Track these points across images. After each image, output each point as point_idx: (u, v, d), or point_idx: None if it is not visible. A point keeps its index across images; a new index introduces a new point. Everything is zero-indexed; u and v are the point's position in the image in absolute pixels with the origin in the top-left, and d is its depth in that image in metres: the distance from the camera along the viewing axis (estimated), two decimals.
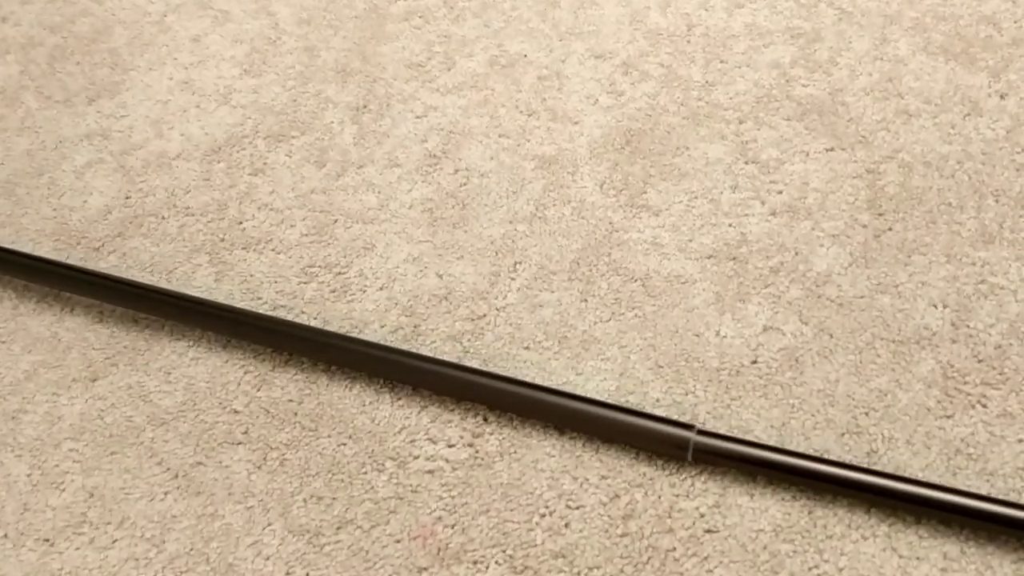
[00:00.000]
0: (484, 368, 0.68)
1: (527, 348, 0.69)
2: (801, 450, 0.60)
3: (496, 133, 0.84)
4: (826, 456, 0.59)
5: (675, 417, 0.62)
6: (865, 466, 0.57)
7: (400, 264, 0.77)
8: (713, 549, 0.56)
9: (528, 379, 0.67)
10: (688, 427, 0.58)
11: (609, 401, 0.63)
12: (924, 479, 0.57)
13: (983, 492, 0.56)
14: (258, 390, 0.69)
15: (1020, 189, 0.71)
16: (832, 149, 0.78)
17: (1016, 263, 0.67)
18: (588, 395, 0.65)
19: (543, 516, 0.59)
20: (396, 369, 0.66)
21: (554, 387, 0.64)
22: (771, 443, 0.61)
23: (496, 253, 0.76)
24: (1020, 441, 0.58)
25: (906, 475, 0.57)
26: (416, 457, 0.64)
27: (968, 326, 0.64)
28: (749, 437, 0.61)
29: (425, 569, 0.58)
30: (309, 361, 0.70)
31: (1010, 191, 0.71)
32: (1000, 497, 0.55)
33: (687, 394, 0.64)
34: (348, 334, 0.71)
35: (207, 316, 0.71)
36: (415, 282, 0.75)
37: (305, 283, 0.76)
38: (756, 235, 0.73)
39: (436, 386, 0.65)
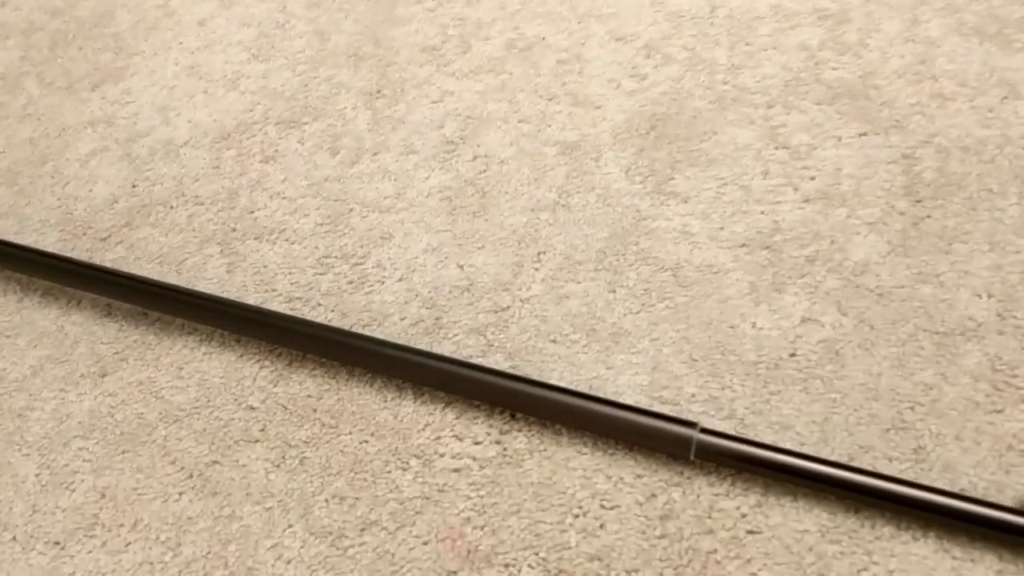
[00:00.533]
0: (509, 364, 0.66)
1: (554, 341, 0.66)
2: (845, 447, 0.57)
3: (515, 118, 0.81)
4: (862, 460, 0.56)
5: (694, 415, 0.60)
6: (878, 471, 0.55)
7: (419, 254, 0.74)
8: (756, 551, 0.54)
9: (556, 374, 0.65)
10: (691, 425, 0.56)
11: (611, 399, 0.61)
12: (972, 478, 0.55)
13: None
14: (275, 386, 0.66)
15: None
16: (865, 134, 0.75)
17: None
18: (619, 390, 0.62)
19: (576, 517, 0.57)
20: (413, 370, 0.63)
21: (561, 385, 0.61)
22: (813, 440, 0.58)
23: (519, 243, 0.73)
24: None
25: (956, 471, 0.55)
26: (442, 455, 0.61)
27: (1015, 316, 0.61)
28: (790, 434, 0.59)
29: (454, 573, 0.56)
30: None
31: None
32: None
33: (724, 388, 0.61)
34: (366, 329, 0.69)
35: (218, 314, 0.68)
36: (435, 273, 0.72)
37: (321, 274, 0.73)
38: (789, 223, 0.70)
39: (446, 387, 0.62)
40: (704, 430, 0.56)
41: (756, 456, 0.55)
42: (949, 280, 0.65)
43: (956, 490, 0.54)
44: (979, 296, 0.63)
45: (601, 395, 0.62)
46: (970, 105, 0.74)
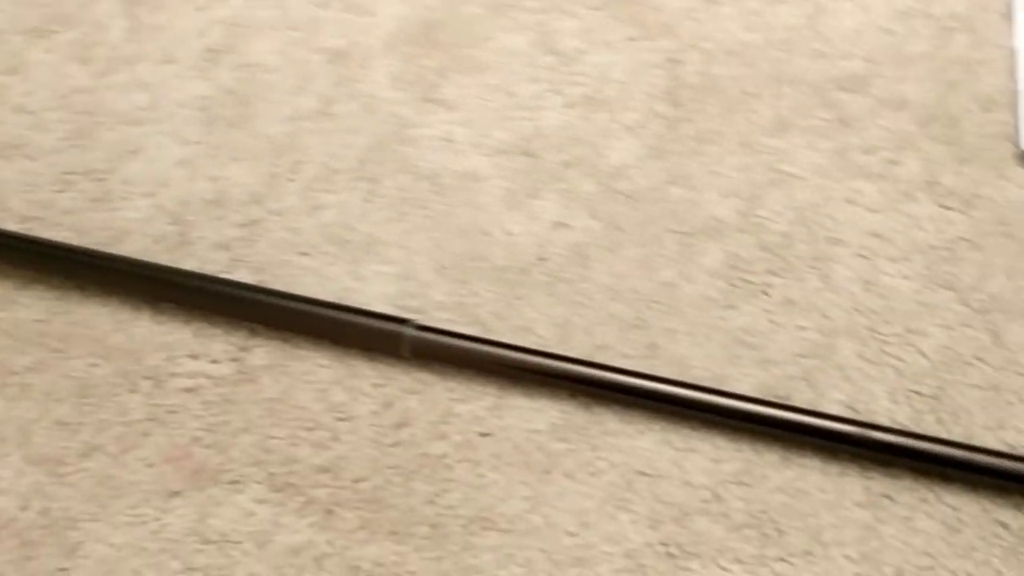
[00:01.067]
0: (256, 278, 0.63)
1: (304, 254, 0.64)
2: (584, 347, 0.57)
3: (284, 25, 0.77)
4: (598, 354, 0.56)
5: (411, 316, 0.58)
6: (602, 362, 0.55)
7: (170, 168, 0.70)
8: (487, 453, 0.53)
9: (304, 287, 0.62)
10: (403, 322, 0.55)
11: (332, 301, 0.60)
12: (700, 371, 0.55)
13: (761, 379, 0.54)
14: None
15: (817, 76, 0.69)
16: (635, 39, 0.74)
17: (808, 150, 0.65)
18: (367, 300, 0.61)
19: (310, 430, 0.55)
20: (143, 287, 0.60)
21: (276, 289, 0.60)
22: (554, 341, 0.57)
23: (276, 153, 0.70)
24: (799, 328, 0.56)
25: (686, 365, 0.55)
26: (176, 375, 0.58)
27: (756, 215, 0.62)
28: (531, 336, 0.58)
29: (178, 493, 0.54)
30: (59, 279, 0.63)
31: (806, 78, 0.69)
32: (759, 397, 0.53)
33: (471, 295, 0.60)
34: (106, 248, 0.64)
35: None
36: (185, 187, 0.68)
37: (60, 192, 0.68)
38: (551, 129, 0.69)
39: (175, 301, 0.59)
40: (418, 327, 0.55)
41: (469, 350, 0.54)
42: (699, 181, 0.65)
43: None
44: (725, 196, 0.63)
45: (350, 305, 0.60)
46: (738, 8, 0.74)
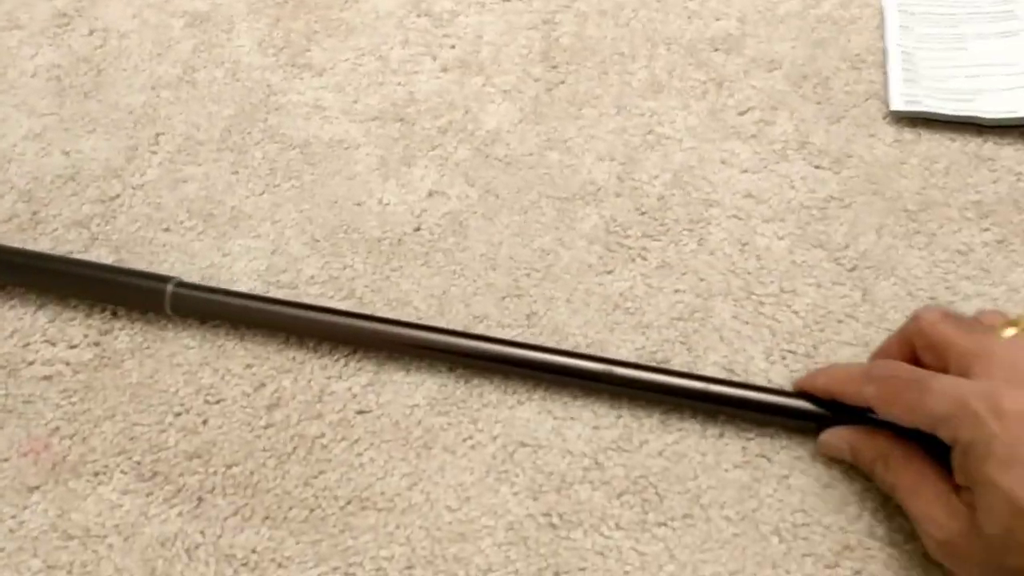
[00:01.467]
0: (115, 257, 0.59)
1: (167, 230, 0.61)
2: (461, 318, 0.56)
3: None
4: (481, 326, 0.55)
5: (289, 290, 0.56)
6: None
7: (18, 142, 0.65)
8: (364, 431, 0.51)
9: (167, 265, 0.59)
10: (166, 279, 0.55)
11: (93, 261, 0.59)
12: (578, 337, 0.55)
13: (640, 344, 0.54)
14: None
15: (691, 37, 0.69)
16: (508, 0, 0.73)
17: (683, 112, 0.65)
18: (235, 277, 0.58)
19: (178, 415, 0.52)
20: None
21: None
22: (431, 313, 0.56)
23: (135, 124, 0.66)
24: (675, 291, 0.56)
25: (564, 332, 0.55)
26: (31, 363, 0.55)
27: (633, 178, 0.61)
28: (408, 309, 0.56)
29: (37, 488, 0.50)
30: None
31: (681, 39, 0.69)
32: (649, 364, 0.53)
33: (344, 268, 0.58)
34: None
35: None
36: (36, 162, 0.64)
37: None
38: (425, 93, 0.67)
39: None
40: (181, 284, 0.55)
41: (231, 304, 0.55)
42: (576, 145, 0.64)
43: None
44: (602, 160, 0.63)
45: (214, 284, 0.57)
46: None
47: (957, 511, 0.40)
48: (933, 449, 0.43)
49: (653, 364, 0.53)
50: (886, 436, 0.45)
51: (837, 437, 0.47)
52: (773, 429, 0.50)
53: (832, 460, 0.49)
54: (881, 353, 0.49)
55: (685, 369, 0.53)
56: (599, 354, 0.53)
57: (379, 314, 0.55)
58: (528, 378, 0.53)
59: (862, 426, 0.47)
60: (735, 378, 0.52)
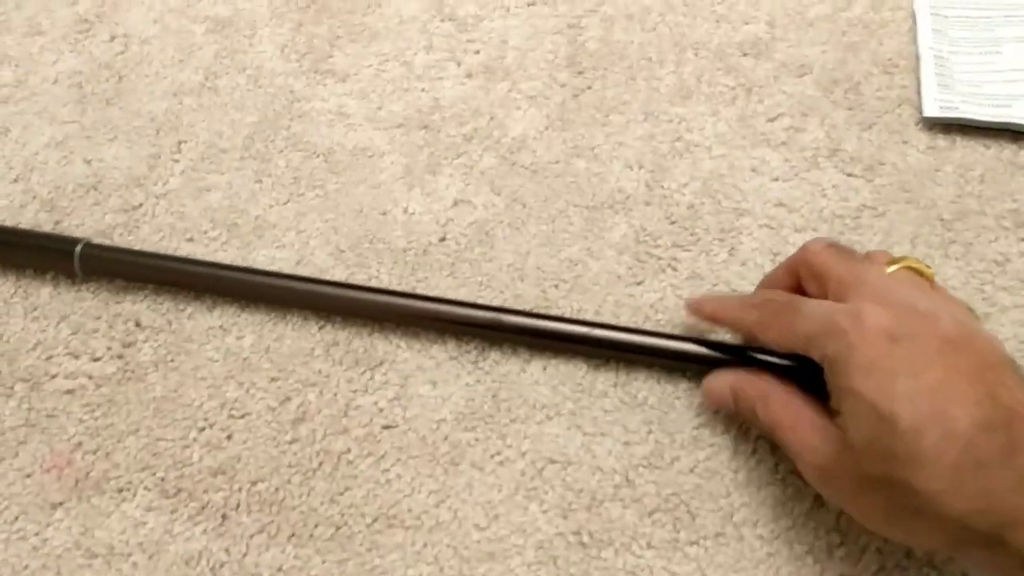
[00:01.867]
0: None
1: (191, 240, 0.60)
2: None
3: None
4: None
5: None
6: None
7: (40, 150, 0.65)
8: (391, 446, 0.51)
9: None
10: (76, 241, 0.56)
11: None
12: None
13: None
14: None
15: (719, 42, 0.68)
16: (534, 3, 0.72)
17: (712, 118, 0.64)
18: None
19: (202, 430, 0.52)
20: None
21: None
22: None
23: (157, 131, 0.65)
24: None
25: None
26: (53, 376, 0.54)
27: (663, 187, 0.60)
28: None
29: (60, 504, 0.50)
30: None
31: (709, 44, 0.68)
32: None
33: (371, 279, 0.57)
34: None
35: None
36: (58, 170, 0.64)
37: None
38: (450, 100, 0.66)
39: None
40: (91, 244, 0.56)
41: (146, 265, 0.56)
42: (603, 152, 0.63)
43: None
44: (630, 167, 0.62)
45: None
46: None
47: (832, 435, 0.41)
48: (812, 388, 0.43)
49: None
50: (766, 377, 0.46)
51: (720, 380, 0.48)
52: None
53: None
54: (767, 282, 0.50)
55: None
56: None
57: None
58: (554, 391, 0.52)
59: (743, 369, 0.47)
60: None
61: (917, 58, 0.65)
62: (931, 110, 0.62)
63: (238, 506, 0.50)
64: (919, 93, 0.63)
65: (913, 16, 0.68)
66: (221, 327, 0.56)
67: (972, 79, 0.64)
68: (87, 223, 0.61)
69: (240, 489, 0.50)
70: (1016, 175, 0.59)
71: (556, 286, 0.57)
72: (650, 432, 0.51)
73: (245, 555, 0.48)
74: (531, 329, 0.53)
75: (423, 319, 0.54)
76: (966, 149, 0.61)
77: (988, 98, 0.63)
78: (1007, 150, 0.60)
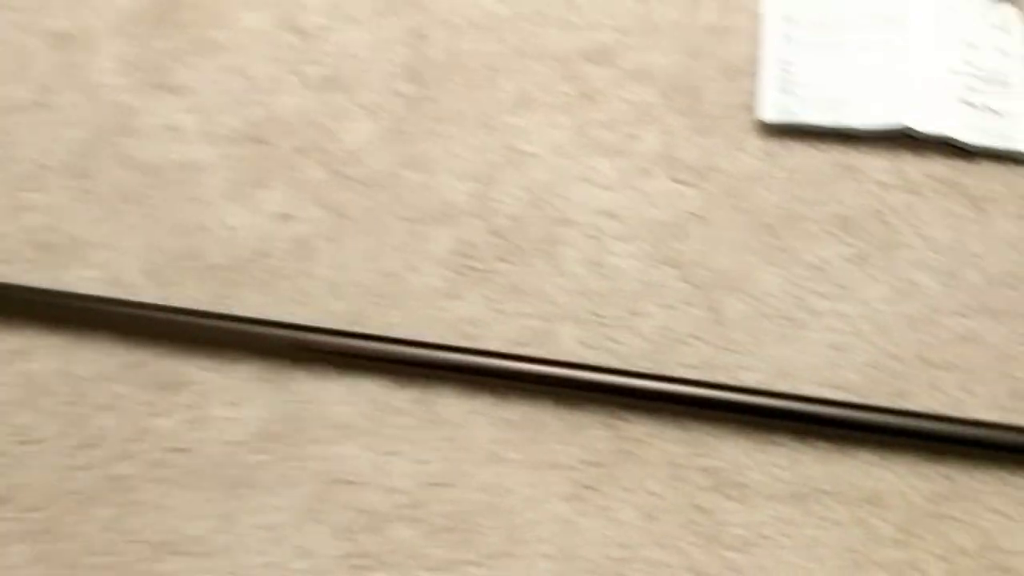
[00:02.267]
0: None
1: (4, 262, 0.58)
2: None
3: (5, 7, 0.71)
4: None
5: None
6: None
7: None
8: (180, 470, 0.49)
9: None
10: None
11: None
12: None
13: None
14: None
15: (565, 49, 0.67)
16: (382, 14, 0.70)
17: (548, 127, 0.62)
18: None
19: None
20: None
21: None
22: None
23: None
24: (522, 315, 0.54)
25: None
26: None
27: (489, 198, 0.59)
28: None
29: None
30: None
31: (556, 52, 0.67)
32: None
33: (181, 298, 0.56)
34: None
35: None
36: None
37: None
38: (286, 113, 0.65)
39: None
40: None
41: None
42: (435, 164, 0.61)
43: None
44: (460, 179, 0.60)
45: None
46: None
47: None
48: None
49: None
50: None
51: None
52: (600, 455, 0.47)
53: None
54: None
55: None
56: None
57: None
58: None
59: None
60: None
61: (759, 63, 0.64)
62: (768, 115, 0.61)
63: (10, 536, 0.48)
64: (758, 98, 0.62)
65: (758, 19, 0.67)
66: (19, 350, 0.54)
67: (814, 82, 0.63)
68: None
69: (17, 518, 0.48)
70: (844, 177, 0.58)
71: (372, 302, 0.55)
72: (446, 449, 0.49)
73: None
74: (334, 348, 0.51)
75: (227, 340, 0.52)
76: (800, 154, 0.60)
77: (825, 102, 0.62)
78: (838, 152, 0.59)
